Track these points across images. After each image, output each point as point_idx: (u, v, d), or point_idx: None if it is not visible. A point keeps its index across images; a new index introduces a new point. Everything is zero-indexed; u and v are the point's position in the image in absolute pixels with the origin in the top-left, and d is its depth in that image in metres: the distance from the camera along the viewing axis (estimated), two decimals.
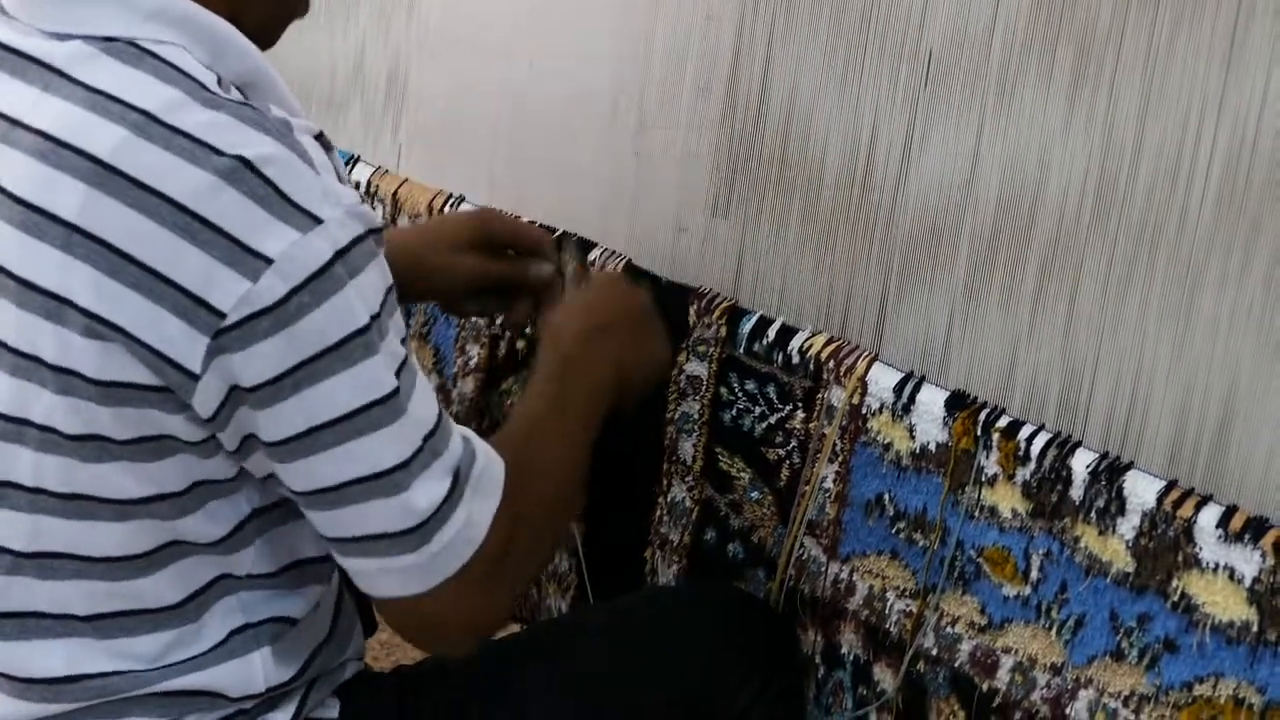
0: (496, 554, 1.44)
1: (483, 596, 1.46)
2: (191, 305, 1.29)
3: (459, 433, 1.44)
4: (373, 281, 1.35)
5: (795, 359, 1.69)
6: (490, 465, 1.45)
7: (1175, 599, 1.43)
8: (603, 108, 1.85)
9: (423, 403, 1.40)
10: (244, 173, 1.29)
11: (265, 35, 1.49)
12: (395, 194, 2.12)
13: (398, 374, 1.37)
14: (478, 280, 1.79)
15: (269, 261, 1.29)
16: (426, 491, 1.39)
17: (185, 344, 1.30)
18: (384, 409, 1.36)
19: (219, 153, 1.29)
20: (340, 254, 1.31)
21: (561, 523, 1.59)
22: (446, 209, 2.06)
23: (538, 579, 1.99)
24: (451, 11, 2.06)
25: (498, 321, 2.01)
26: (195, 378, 1.31)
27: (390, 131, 2.15)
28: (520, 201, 1.98)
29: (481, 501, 1.43)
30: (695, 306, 1.77)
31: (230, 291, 1.29)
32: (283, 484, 1.40)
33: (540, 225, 1.92)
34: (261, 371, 1.31)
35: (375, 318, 1.34)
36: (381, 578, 1.43)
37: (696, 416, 1.79)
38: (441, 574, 1.42)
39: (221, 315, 1.29)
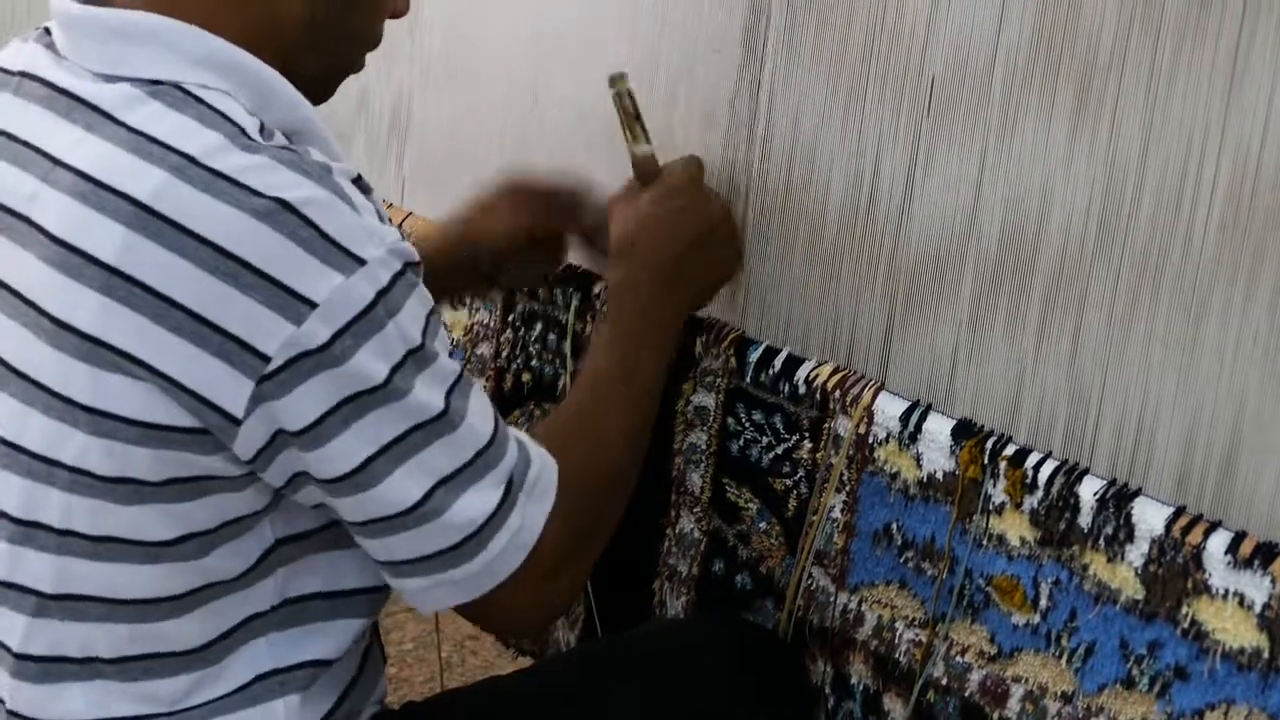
0: (554, 552, 1.47)
1: (542, 592, 1.50)
2: (236, 349, 1.30)
3: (514, 440, 1.46)
4: (413, 312, 1.37)
5: (802, 389, 1.70)
6: (545, 468, 1.48)
7: (1185, 626, 1.43)
8: (607, 139, 1.85)
9: (479, 416, 1.43)
10: (285, 214, 1.30)
11: (320, 88, 1.51)
12: (400, 227, 2.12)
13: (448, 394, 1.39)
14: (521, 233, 1.80)
15: (313, 305, 1.30)
16: (478, 503, 1.41)
17: (229, 388, 1.31)
18: (433, 428, 1.39)
19: (259, 194, 1.31)
20: (382, 294, 1.33)
21: (625, 493, 1.60)
22: None
23: None
24: (454, 43, 2.07)
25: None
26: (237, 422, 1.32)
27: (394, 164, 2.16)
28: None
29: (535, 506, 1.46)
30: (702, 338, 1.78)
31: (274, 335, 1.30)
32: (335, 513, 1.42)
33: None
34: (306, 413, 1.33)
35: (418, 349, 1.36)
36: (435, 592, 1.45)
37: (704, 447, 1.80)
38: (495, 580, 1.45)
39: (266, 359, 1.30)
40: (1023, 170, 1.50)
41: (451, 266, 1.80)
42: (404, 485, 1.38)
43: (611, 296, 1.66)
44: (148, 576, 1.41)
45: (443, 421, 1.39)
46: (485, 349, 2.03)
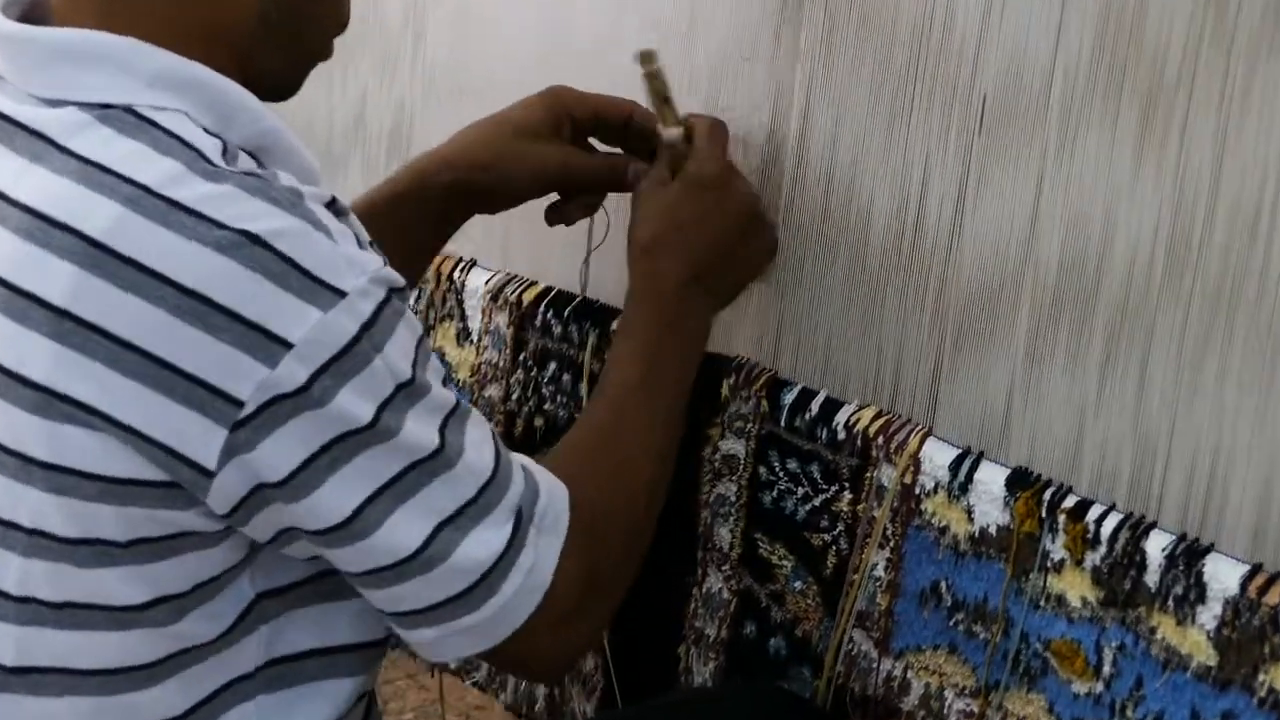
0: (573, 588, 1.48)
1: (564, 632, 1.50)
2: (204, 395, 1.31)
3: (519, 468, 1.47)
4: (401, 342, 1.37)
5: (841, 435, 1.71)
6: (554, 499, 1.48)
7: (1263, 695, 1.43)
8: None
9: (478, 448, 1.43)
10: (252, 247, 1.31)
11: (285, 84, 1.52)
12: None
13: (443, 428, 1.40)
14: (552, 176, 1.78)
15: (288, 345, 1.31)
16: (486, 543, 1.42)
17: (199, 438, 1.32)
18: (428, 466, 1.39)
19: (222, 226, 1.31)
20: (366, 327, 1.34)
21: (651, 518, 1.61)
22: (456, 274, 2.07)
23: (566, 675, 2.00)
24: (459, 60, 2.08)
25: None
26: (210, 474, 1.33)
27: None
28: (537, 265, 1.99)
29: (547, 540, 1.46)
30: (731, 380, 1.79)
31: (246, 378, 1.31)
32: (333, 565, 1.43)
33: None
34: (287, 462, 1.33)
35: (408, 382, 1.37)
36: (448, 642, 1.46)
37: (734, 499, 1.81)
38: (510, 625, 1.46)
39: (239, 404, 1.31)
40: (1084, 193, 1.51)
41: (464, 198, 1.81)
42: (403, 530, 1.39)
43: (632, 301, 1.67)
44: (116, 644, 1.41)
45: (439, 459, 1.40)
46: (494, 391, 2.04)
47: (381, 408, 1.36)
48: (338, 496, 1.36)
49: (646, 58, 1.73)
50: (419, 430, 1.38)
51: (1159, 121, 1.46)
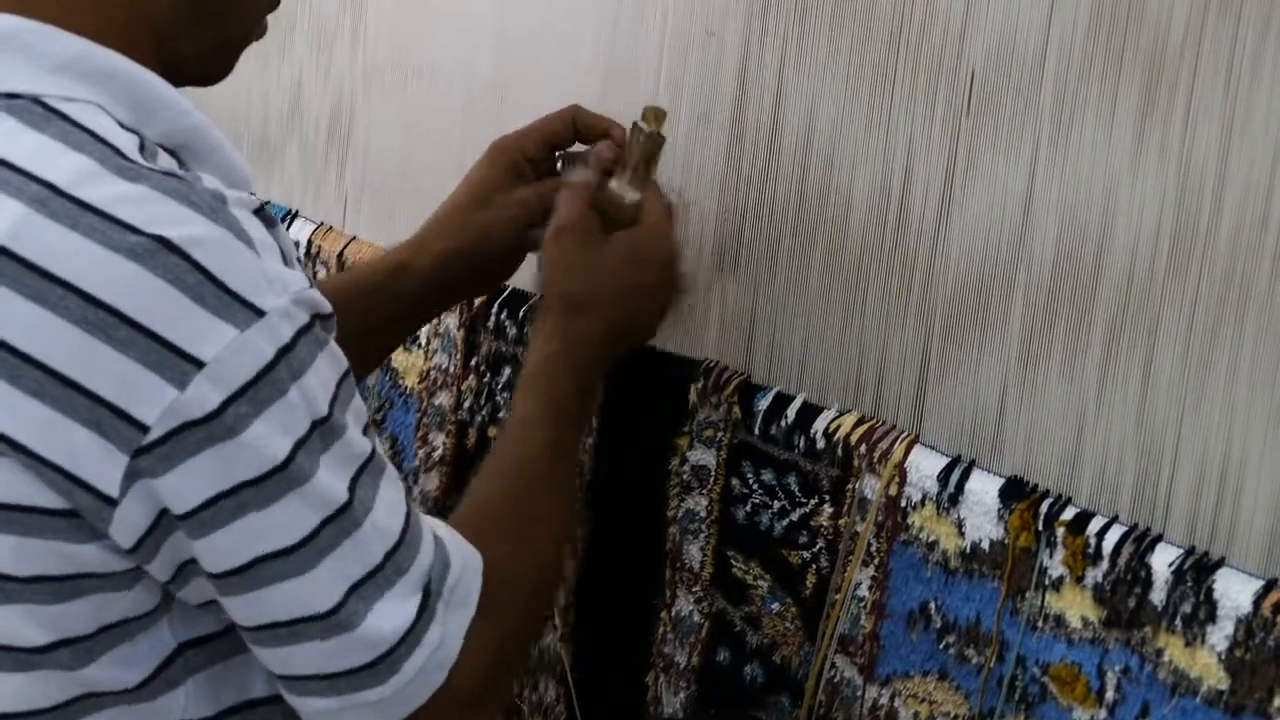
0: (480, 666, 1.45)
1: (469, 712, 1.47)
2: (107, 417, 1.28)
3: (430, 535, 1.44)
4: (322, 375, 1.35)
5: (820, 443, 1.70)
6: (467, 570, 1.46)
7: None
8: None
9: (387, 508, 1.40)
10: (167, 256, 1.28)
11: (214, 66, 1.50)
12: (341, 254, 2.13)
13: (354, 480, 1.37)
14: (536, 214, 1.77)
15: (200, 365, 1.28)
16: (391, 615, 1.39)
17: (100, 463, 1.29)
18: (337, 526, 1.36)
19: (135, 231, 1.28)
20: (284, 352, 1.31)
21: (555, 582, 1.62)
22: None
23: (520, 710, 2.00)
24: (404, 38, 2.08)
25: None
26: (113, 503, 1.30)
27: (334, 180, 2.17)
28: None
29: (455, 616, 1.44)
30: (699, 384, 1.78)
31: (153, 401, 1.28)
32: (225, 612, 1.41)
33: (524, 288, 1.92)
34: (194, 494, 1.31)
35: (325, 419, 1.34)
36: (347, 715, 1.43)
37: (704, 514, 1.80)
38: (415, 702, 1.43)
39: (144, 429, 1.28)
40: (1081, 178, 1.51)
41: (455, 281, 1.82)
42: (297, 591, 1.36)
43: (546, 354, 1.66)
44: (17, 686, 1.39)
45: (346, 515, 1.37)
46: (444, 398, 2.04)
47: (297, 446, 1.33)
48: (240, 541, 1.34)
49: (655, 116, 1.71)
50: (329, 479, 1.36)
51: (1162, 97, 1.46)
